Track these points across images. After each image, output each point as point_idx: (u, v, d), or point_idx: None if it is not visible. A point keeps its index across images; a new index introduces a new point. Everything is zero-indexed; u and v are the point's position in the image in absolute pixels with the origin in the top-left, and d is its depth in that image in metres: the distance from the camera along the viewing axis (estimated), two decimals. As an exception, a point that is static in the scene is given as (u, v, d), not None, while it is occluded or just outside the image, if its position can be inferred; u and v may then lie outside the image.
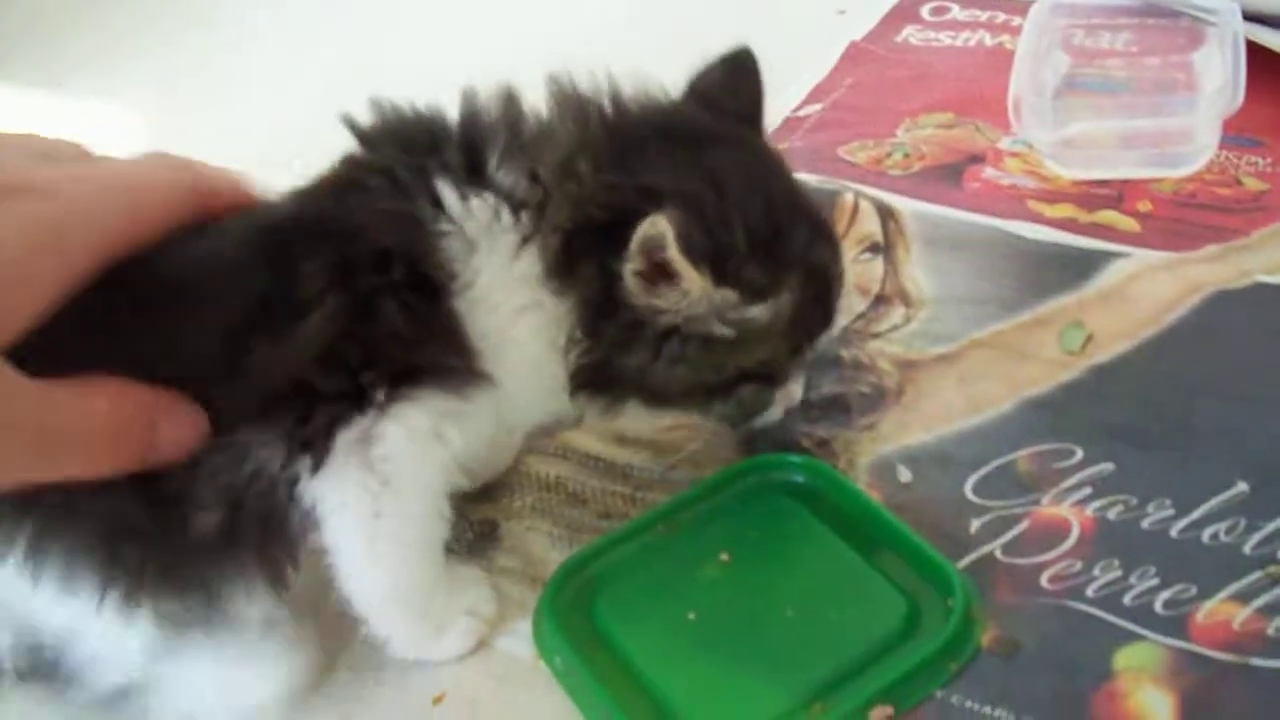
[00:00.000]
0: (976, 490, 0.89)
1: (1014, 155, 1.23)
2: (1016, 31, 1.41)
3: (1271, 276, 1.03)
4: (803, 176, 1.16)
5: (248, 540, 0.74)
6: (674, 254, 0.72)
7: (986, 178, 1.21)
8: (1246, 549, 0.81)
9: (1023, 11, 1.42)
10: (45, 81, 2.00)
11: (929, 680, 0.76)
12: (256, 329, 0.71)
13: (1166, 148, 1.17)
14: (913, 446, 0.93)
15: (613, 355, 0.79)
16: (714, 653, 0.80)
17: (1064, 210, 1.14)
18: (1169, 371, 0.95)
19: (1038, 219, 1.13)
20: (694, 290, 0.75)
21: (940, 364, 1.00)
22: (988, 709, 0.75)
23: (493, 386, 0.77)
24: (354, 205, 0.74)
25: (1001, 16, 1.50)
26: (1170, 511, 0.84)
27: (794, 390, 0.89)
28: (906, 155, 1.25)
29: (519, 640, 0.85)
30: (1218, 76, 1.15)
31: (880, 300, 1.07)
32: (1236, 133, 1.19)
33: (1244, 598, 0.78)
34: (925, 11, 1.55)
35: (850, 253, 1.12)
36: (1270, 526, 0.82)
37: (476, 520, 0.95)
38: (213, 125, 1.59)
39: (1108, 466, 0.88)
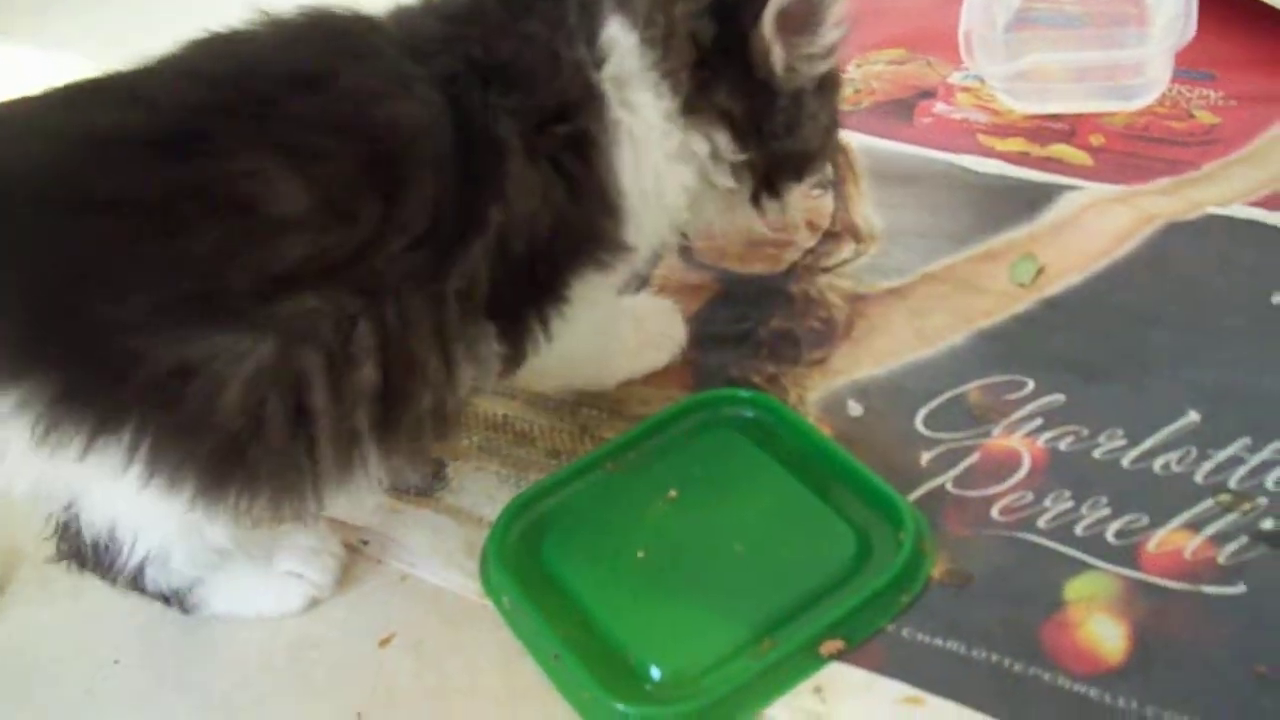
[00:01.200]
0: (927, 423, 0.88)
1: (965, 90, 1.23)
2: (972, -33, 1.41)
3: (1222, 208, 1.03)
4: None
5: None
6: None
7: (938, 113, 1.20)
8: (1198, 477, 0.81)
9: (976, -52, 1.42)
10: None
11: (880, 614, 0.76)
12: (461, 199, 0.75)
13: (1119, 80, 1.17)
14: (863, 380, 0.93)
15: (780, 144, 0.87)
16: (663, 590, 0.79)
17: (1015, 144, 1.14)
18: (1120, 303, 0.95)
19: (989, 153, 1.13)
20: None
21: (891, 298, 0.99)
22: (938, 641, 0.74)
23: (632, 252, 0.84)
24: (524, 49, 0.79)
25: (955, -49, 1.48)
26: (1122, 442, 0.84)
27: None
28: (857, 91, 1.25)
29: (467, 579, 0.84)
30: (1169, 9, 1.14)
31: (829, 235, 1.07)
32: (1189, 66, 1.19)
33: (1195, 526, 0.78)
34: (877, -53, 1.53)
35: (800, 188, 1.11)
36: (1221, 455, 0.82)
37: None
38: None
39: (1059, 398, 0.88)
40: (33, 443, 0.68)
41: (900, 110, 1.22)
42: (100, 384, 0.68)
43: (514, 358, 0.83)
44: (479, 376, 0.81)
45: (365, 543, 0.89)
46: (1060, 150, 1.12)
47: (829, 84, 0.89)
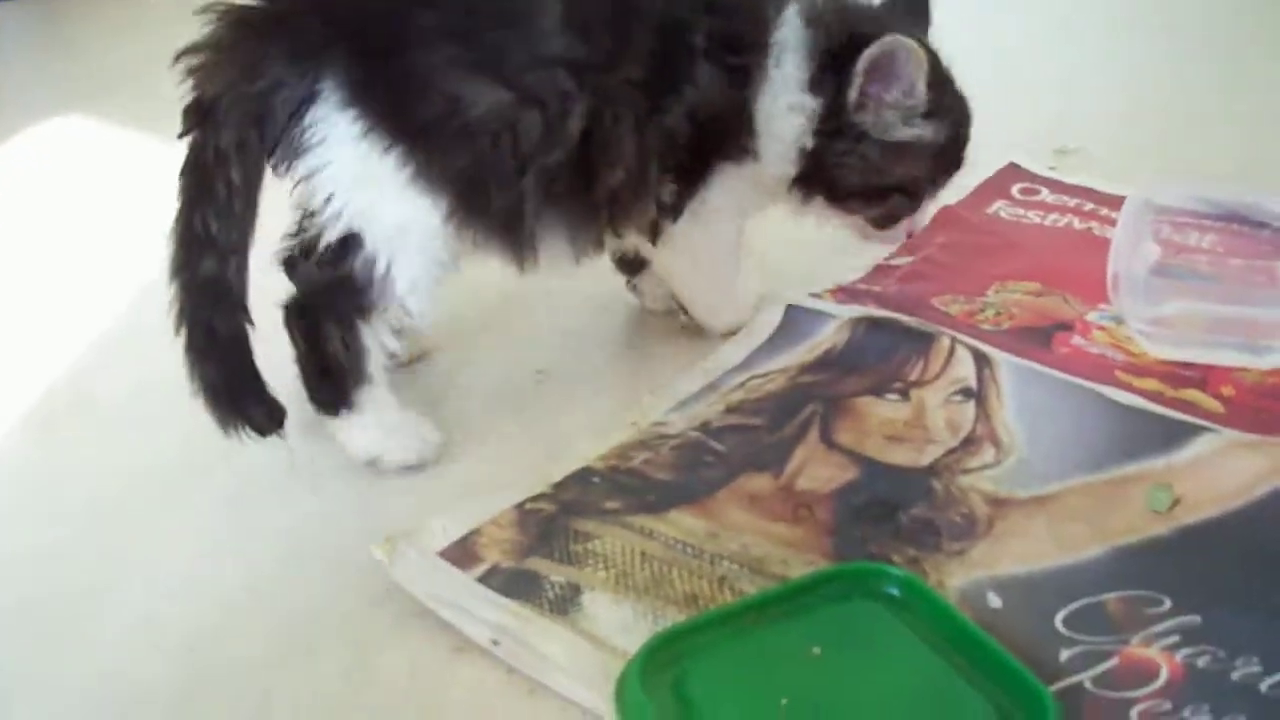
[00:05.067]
0: (1066, 623, 0.90)
1: (1101, 329, 1.26)
2: (1106, 221, 1.49)
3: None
4: (900, 318, 1.20)
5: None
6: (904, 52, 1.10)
7: (1075, 344, 1.24)
8: (1334, 712, 0.82)
9: (1111, 203, 1.50)
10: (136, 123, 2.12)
11: (1020, 796, 0.77)
12: (659, 87, 1.09)
13: (1256, 339, 1.20)
14: (1003, 576, 0.95)
15: (826, 149, 1.16)
16: (803, 740, 0.80)
17: (1150, 384, 1.17)
18: (1257, 540, 0.96)
19: (1127, 388, 1.15)
20: (918, 79, 1.12)
21: (1031, 505, 1.02)
22: (1076, 828, 0.75)
23: (756, 163, 1.18)
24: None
25: (1089, 205, 1.55)
26: (1258, 669, 0.85)
27: (921, 217, 1.26)
28: (998, 313, 1.29)
29: (600, 700, 0.86)
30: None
31: (970, 440, 1.10)
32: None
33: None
34: (1016, 190, 1.61)
35: (942, 393, 1.15)
36: (1358, 694, 0.83)
37: (556, 582, 0.96)
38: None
39: (1195, 619, 0.89)
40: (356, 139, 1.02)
41: (1038, 337, 1.25)
42: (403, 102, 1.02)
43: (668, 211, 1.17)
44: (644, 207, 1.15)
45: (497, 643, 0.92)
46: (1192, 395, 1.15)
47: (890, 150, 1.16)
